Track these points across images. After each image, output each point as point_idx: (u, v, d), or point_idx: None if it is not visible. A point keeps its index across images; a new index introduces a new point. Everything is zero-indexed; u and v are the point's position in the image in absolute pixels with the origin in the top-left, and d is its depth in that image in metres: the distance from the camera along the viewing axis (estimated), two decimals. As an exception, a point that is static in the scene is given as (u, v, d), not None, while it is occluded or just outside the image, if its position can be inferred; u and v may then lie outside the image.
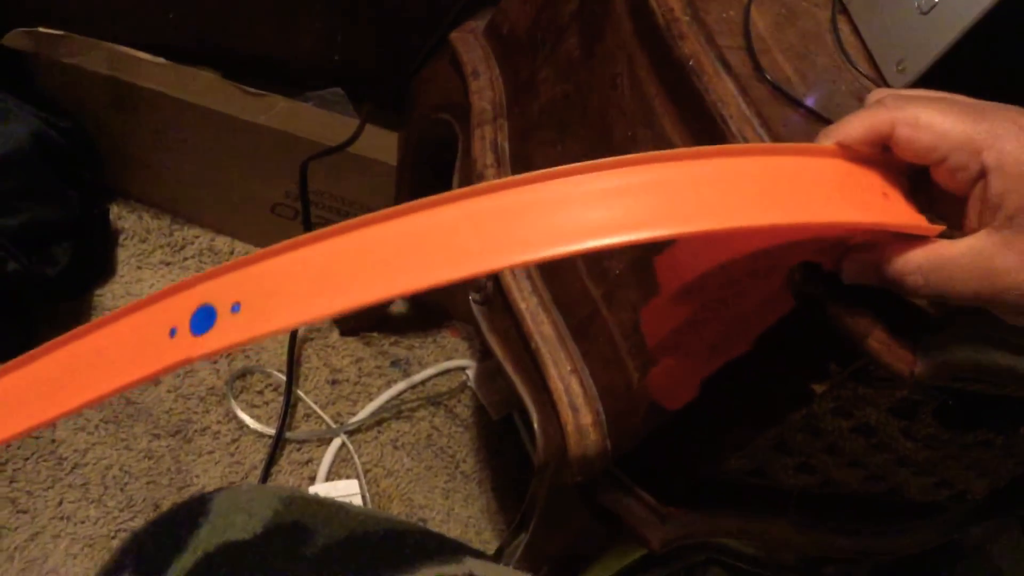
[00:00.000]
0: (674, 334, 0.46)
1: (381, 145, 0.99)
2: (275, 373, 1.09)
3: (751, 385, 0.52)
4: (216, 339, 0.35)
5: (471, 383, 1.18)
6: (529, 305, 0.66)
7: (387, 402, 1.13)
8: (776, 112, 0.50)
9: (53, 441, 0.96)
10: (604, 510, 0.61)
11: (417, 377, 1.16)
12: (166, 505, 0.96)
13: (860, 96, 0.55)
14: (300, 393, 1.09)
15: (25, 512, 0.91)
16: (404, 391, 1.15)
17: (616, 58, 0.60)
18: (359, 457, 1.07)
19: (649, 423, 0.58)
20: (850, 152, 0.39)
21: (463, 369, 1.19)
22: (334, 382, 1.12)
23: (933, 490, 0.67)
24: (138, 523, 0.94)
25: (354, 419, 1.09)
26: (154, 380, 0.37)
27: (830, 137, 0.39)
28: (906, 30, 0.55)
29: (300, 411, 1.09)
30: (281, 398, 1.07)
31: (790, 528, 0.66)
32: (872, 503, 0.68)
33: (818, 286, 0.44)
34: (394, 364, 1.17)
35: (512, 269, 0.68)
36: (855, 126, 0.38)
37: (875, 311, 0.44)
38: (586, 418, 0.61)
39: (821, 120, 0.51)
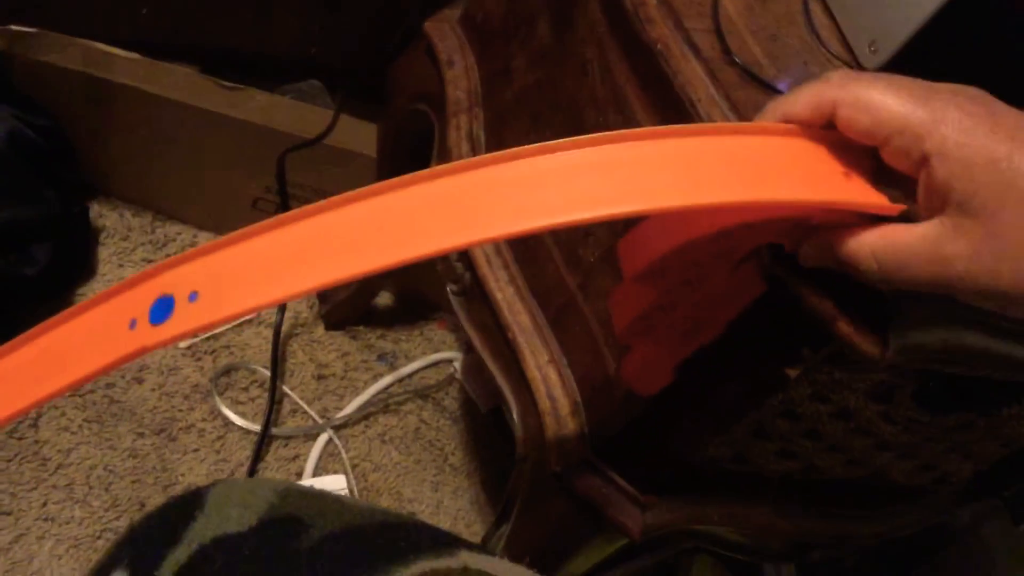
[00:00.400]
0: (641, 319, 0.45)
1: (361, 137, 0.98)
2: (260, 369, 1.08)
3: (725, 371, 0.51)
4: (173, 327, 0.36)
5: (459, 375, 1.18)
6: (506, 295, 0.66)
7: (374, 396, 1.12)
8: (745, 95, 0.50)
9: (36, 442, 0.95)
10: (584, 499, 0.61)
11: (404, 370, 1.16)
12: (152, 504, 0.95)
13: (832, 77, 0.55)
14: (286, 389, 1.09)
15: (9, 514, 0.91)
16: (391, 385, 1.15)
17: (586, 44, 0.60)
18: (346, 452, 1.07)
19: (627, 411, 0.58)
20: (813, 132, 0.39)
21: (450, 361, 1.19)
22: (320, 377, 1.12)
23: (917, 473, 0.67)
24: (123, 523, 0.93)
25: (341, 414, 1.09)
26: (114, 370, 0.37)
27: (775, 111, 0.39)
28: (877, 11, 0.55)
29: (286, 407, 1.08)
30: (267, 394, 1.06)
31: (773, 514, 0.65)
32: (856, 487, 0.67)
33: (786, 268, 0.43)
34: (381, 358, 1.17)
35: (488, 260, 0.67)
36: (799, 102, 0.38)
37: (845, 293, 0.44)
38: (564, 407, 0.61)
39: (791, 102, 0.50)
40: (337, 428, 1.08)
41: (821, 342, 0.47)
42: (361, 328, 1.18)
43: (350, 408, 1.10)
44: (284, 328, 1.13)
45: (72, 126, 1.01)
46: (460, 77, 0.77)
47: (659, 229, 0.41)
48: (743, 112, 0.48)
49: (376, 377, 1.14)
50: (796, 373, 0.49)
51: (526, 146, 0.35)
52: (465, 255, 0.69)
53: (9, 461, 0.94)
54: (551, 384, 0.62)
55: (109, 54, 0.93)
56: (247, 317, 1.10)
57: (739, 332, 0.48)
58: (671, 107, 0.51)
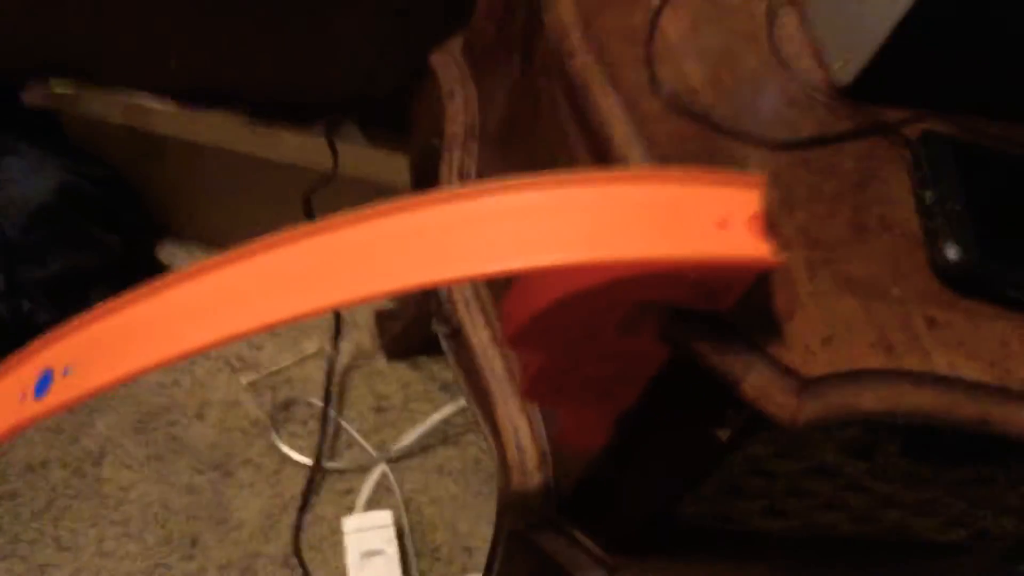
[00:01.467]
0: (541, 379, 0.42)
1: (395, 170, 0.97)
2: (317, 403, 1.09)
3: (657, 431, 0.47)
4: (50, 401, 0.38)
5: (521, 404, 1.15)
6: (481, 339, 0.63)
7: (433, 427, 1.11)
8: (668, 128, 0.45)
9: (98, 480, 0.99)
10: (550, 559, 0.57)
11: (466, 400, 1.14)
12: (204, 539, 0.98)
13: (790, 98, 0.49)
14: (343, 422, 1.09)
15: (67, 550, 0.95)
16: (452, 415, 1.13)
17: (539, 77, 0.56)
18: (403, 485, 1.06)
19: (589, 465, 0.54)
20: (693, 175, 0.35)
21: (513, 390, 1.16)
22: (379, 409, 1.12)
23: (944, 530, 0.59)
24: (175, 558, 0.96)
25: (397, 446, 1.08)
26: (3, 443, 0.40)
27: None
28: (848, 21, 0.49)
29: (343, 440, 1.09)
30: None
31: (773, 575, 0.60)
32: (876, 544, 0.61)
33: (682, 328, 0.39)
34: (443, 388, 1.16)
35: (466, 303, 0.65)
36: None
37: (754, 351, 0.39)
38: (532, 459, 0.58)
39: (721, 132, 0.45)
40: (395, 460, 1.08)
41: (742, 403, 0.42)
42: (423, 358, 1.17)
43: (407, 440, 1.09)
44: (345, 360, 1.14)
45: (129, 173, 1.05)
46: (459, 110, 0.75)
47: (530, 289, 0.38)
48: (662, 147, 0.44)
49: (437, 408, 1.13)
50: (727, 435, 0.44)
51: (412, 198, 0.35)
52: (450, 297, 0.67)
53: (72, 498, 0.98)
54: (521, 434, 0.59)
55: (146, 107, 0.96)
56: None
57: (662, 393, 0.44)
58: (595, 143, 0.47)
